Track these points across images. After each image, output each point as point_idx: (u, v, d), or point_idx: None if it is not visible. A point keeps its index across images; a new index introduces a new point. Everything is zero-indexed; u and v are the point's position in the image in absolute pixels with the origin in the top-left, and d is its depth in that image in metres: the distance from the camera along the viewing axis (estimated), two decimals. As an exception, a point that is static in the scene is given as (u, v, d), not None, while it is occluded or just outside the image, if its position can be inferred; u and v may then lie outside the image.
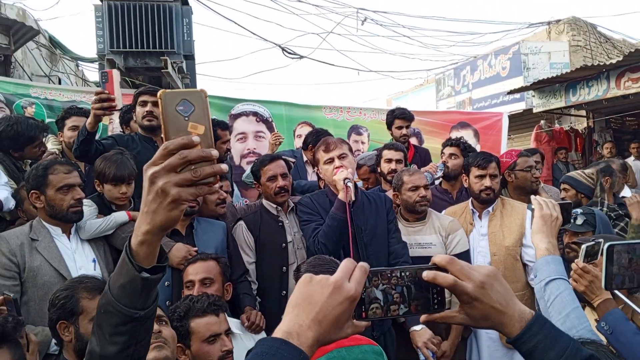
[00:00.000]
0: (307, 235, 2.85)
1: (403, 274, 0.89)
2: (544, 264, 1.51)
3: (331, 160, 2.80)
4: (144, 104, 3.47)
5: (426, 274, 0.88)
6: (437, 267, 0.90)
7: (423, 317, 0.92)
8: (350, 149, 2.93)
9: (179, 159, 0.85)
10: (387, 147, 3.90)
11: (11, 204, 2.94)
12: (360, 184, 3.98)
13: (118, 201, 2.86)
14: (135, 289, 0.93)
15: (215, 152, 0.87)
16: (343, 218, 2.60)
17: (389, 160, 3.77)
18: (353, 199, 2.66)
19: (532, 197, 1.68)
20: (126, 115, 4.18)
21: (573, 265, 2.11)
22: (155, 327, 1.77)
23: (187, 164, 0.86)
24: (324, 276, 0.83)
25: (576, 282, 2.09)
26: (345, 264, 0.85)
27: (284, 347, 0.76)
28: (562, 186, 4.01)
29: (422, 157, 4.74)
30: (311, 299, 0.81)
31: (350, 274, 0.84)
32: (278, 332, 0.79)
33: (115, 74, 2.99)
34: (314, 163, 3.07)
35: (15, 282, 2.38)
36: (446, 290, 0.91)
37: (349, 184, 2.60)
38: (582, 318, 1.44)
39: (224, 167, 0.89)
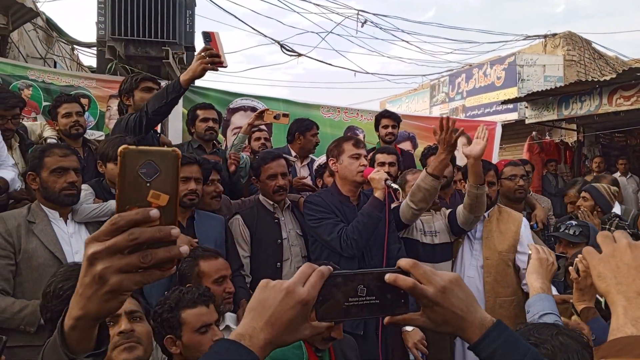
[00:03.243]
0: (327, 232, 2.82)
1: (367, 276, 0.91)
2: (538, 300, 1.62)
3: (358, 157, 2.85)
4: (149, 90, 3.48)
5: (388, 277, 0.90)
6: (402, 270, 0.92)
7: (387, 319, 0.94)
8: None
9: (127, 240, 0.70)
10: (380, 150, 4.00)
11: (17, 185, 2.94)
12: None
13: None
14: None
15: (176, 232, 0.72)
16: (380, 217, 2.67)
17: (382, 164, 3.83)
18: (399, 200, 2.72)
19: (529, 243, 1.76)
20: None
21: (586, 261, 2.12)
22: (127, 325, 1.71)
23: (137, 245, 0.70)
24: (279, 281, 0.87)
25: (581, 276, 2.06)
26: (303, 268, 0.89)
27: (234, 348, 0.80)
28: (583, 194, 3.92)
29: (405, 161, 4.77)
30: (265, 303, 0.84)
31: (306, 278, 0.86)
32: (232, 335, 0.83)
33: (218, 36, 2.98)
34: (329, 154, 3.03)
35: (11, 262, 2.39)
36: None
37: (394, 185, 2.69)
38: None
39: (184, 250, 0.74)
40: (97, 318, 0.77)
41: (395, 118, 4.84)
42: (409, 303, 0.93)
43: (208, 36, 2.97)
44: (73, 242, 2.58)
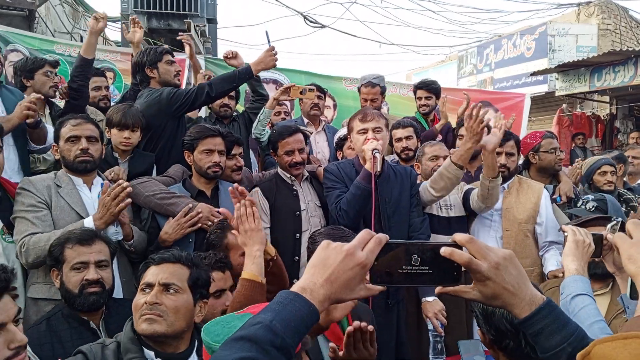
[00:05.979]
0: (330, 202, 2.89)
1: (422, 247, 0.96)
2: (571, 282, 1.60)
3: (365, 131, 2.80)
4: (171, 63, 3.53)
5: (444, 250, 0.94)
6: (457, 245, 0.96)
7: (437, 289, 0.98)
8: (387, 125, 2.91)
9: None
10: (395, 126, 3.85)
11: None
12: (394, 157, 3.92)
13: (121, 146, 3.03)
14: None
15: None
16: (367, 188, 2.63)
17: (399, 139, 3.76)
18: (379, 169, 2.68)
19: (564, 225, 1.74)
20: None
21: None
22: (153, 297, 1.69)
23: None
24: (340, 243, 0.94)
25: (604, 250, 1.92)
26: (362, 234, 0.95)
27: (297, 299, 0.88)
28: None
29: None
30: (326, 262, 0.92)
31: (364, 243, 0.93)
32: (295, 287, 0.91)
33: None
34: (348, 130, 3.02)
35: (48, 212, 2.52)
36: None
37: (377, 155, 2.62)
38: (604, 330, 1.53)
39: None
40: None
41: (430, 89, 4.62)
42: (461, 277, 0.97)
43: (268, 35, 3.54)
44: (96, 206, 2.67)
